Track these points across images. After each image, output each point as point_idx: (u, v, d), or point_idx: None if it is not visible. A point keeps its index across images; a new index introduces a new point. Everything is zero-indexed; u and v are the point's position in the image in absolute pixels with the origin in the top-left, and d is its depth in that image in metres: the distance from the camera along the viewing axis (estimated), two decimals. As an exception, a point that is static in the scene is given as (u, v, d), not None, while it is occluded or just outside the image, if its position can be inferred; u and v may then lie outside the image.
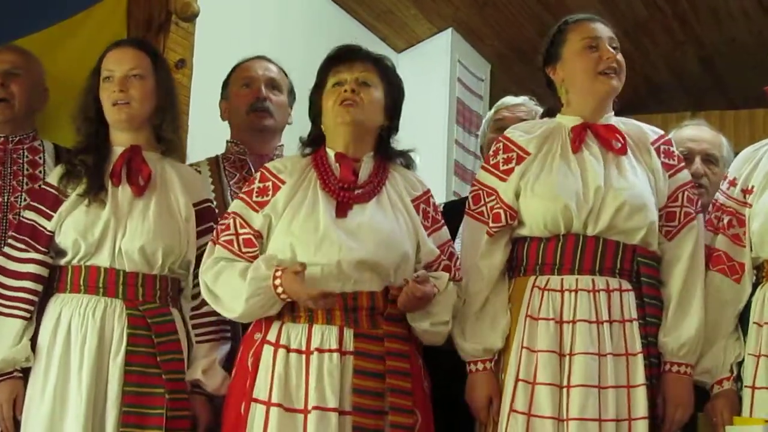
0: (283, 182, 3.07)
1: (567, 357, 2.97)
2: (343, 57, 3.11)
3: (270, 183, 3.08)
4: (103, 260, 3.12)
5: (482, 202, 3.17)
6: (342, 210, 3.00)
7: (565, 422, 2.92)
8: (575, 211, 3.02)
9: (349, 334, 2.91)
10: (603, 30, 3.19)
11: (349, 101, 3.02)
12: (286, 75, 3.88)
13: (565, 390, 2.94)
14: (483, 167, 3.26)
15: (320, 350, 2.89)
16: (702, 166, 3.62)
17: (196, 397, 3.14)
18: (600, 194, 3.03)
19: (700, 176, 3.57)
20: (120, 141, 3.24)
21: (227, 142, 3.85)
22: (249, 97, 3.76)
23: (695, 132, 3.73)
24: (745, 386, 3.02)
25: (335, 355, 2.88)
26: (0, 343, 3.08)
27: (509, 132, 3.25)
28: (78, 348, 3.05)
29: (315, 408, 2.83)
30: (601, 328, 2.98)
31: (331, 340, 2.90)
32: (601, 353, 2.95)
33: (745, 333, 3.09)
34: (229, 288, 2.98)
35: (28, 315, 3.11)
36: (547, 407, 2.93)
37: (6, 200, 3.47)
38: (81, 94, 3.29)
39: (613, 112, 3.22)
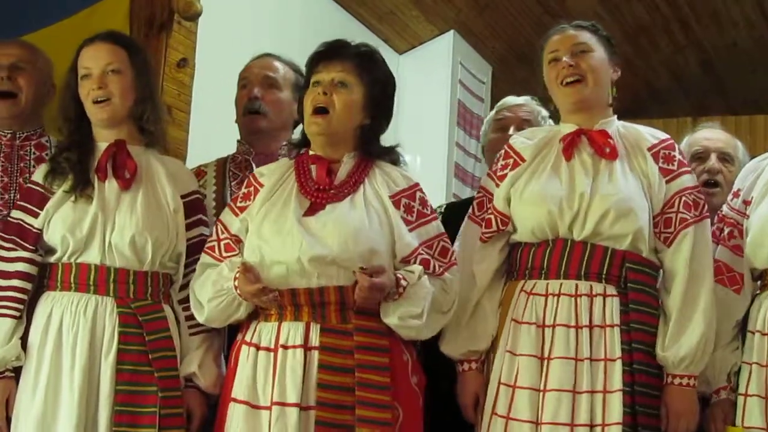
0: (262, 185, 3.09)
1: (546, 361, 2.97)
2: (323, 55, 3.09)
3: (252, 188, 3.10)
4: (93, 257, 3.09)
5: (485, 209, 3.20)
6: (312, 209, 3.00)
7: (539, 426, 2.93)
8: (558, 216, 3.03)
9: (315, 329, 2.90)
10: (566, 39, 3.18)
11: (321, 105, 3.01)
12: (295, 70, 3.82)
13: (542, 394, 2.95)
14: (487, 173, 3.29)
15: (285, 347, 2.89)
16: (718, 163, 3.63)
17: (189, 391, 3.13)
18: (584, 200, 3.02)
19: (715, 172, 3.59)
20: (103, 137, 3.22)
21: (237, 141, 3.85)
22: (244, 99, 3.77)
23: (709, 133, 3.76)
24: (739, 394, 3.03)
25: (298, 351, 2.88)
26: None
27: (512, 138, 3.28)
28: (69, 347, 3.03)
29: (275, 403, 2.83)
30: (580, 332, 2.97)
31: (296, 337, 2.90)
32: (579, 358, 2.95)
33: (744, 342, 3.09)
34: (204, 292, 3.02)
35: (17, 314, 3.07)
36: (525, 411, 2.94)
37: (12, 198, 3.42)
38: (60, 93, 3.28)
39: (613, 118, 3.21)
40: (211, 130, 3.99)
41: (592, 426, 2.90)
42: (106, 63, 3.17)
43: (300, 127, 3.34)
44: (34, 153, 3.53)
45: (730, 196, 3.27)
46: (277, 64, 3.83)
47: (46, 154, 3.51)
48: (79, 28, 4.05)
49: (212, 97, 3.94)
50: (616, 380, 2.92)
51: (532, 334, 3.01)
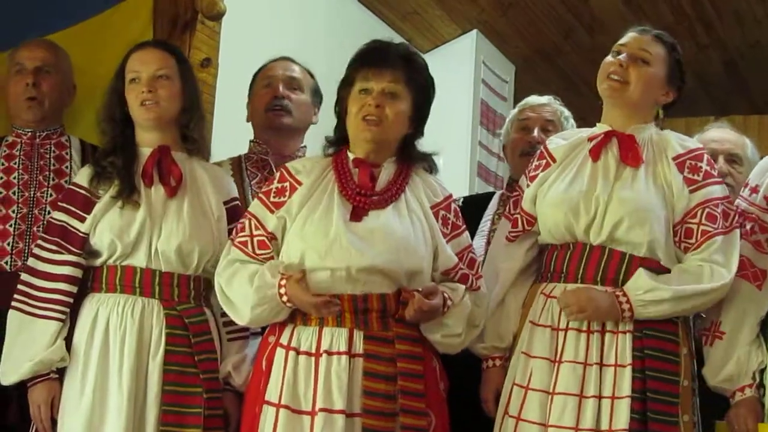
0: (300, 183, 3.05)
1: (557, 364, 2.97)
2: (373, 61, 3.04)
3: (288, 183, 3.07)
4: (139, 261, 3.13)
5: (519, 208, 3.21)
6: (357, 215, 2.98)
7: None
8: (574, 219, 3.03)
9: (359, 336, 2.90)
10: (637, 41, 3.15)
11: (373, 117, 2.98)
12: (311, 76, 3.89)
13: (550, 396, 2.95)
14: (524, 173, 3.29)
15: (329, 353, 2.88)
16: (726, 165, 3.62)
17: (227, 394, 3.16)
18: (601, 204, 3.01)
19: (724, 175, 3.54)
20: (147, 142, 3.25)
21: (250, 141, 3.87)
22: (268, 96, 3.79)
23: (717, 133, 3.75)
24: (768, 392, 3.01)
25: (344, 357, 2.87)
26: (35, 345, 3.08)
27: (549, 139, 3.29)
28: (117, 347, 3.06)
29: (321, 410, 2.82)
30: (591, 337, 2.96)
31: (340, 343, 2.89)
32: (588, 362, 2.94)
33: (767, 339, 3.08)
34: (239, 294, 3.00)
35: (63, 317, 3.11)
36: (535, 412, 2.95)
37: (32, 195, 3.48)
38: (105, 96, 3.29)
39: (650, 123, 3.17)
40: (235, 130, 3.99)
41: (597, 431, 2.89)
42: (157, 68, 3.22)
43: (313, 131, 3.34)
44: (54, 151, 3.58)
45: (747, 192, 3.25)
46: (298, 67, 3.87)
47: (66, 153, 3.59)
48: (103, 27, 4.08)
49: (235, 97, 3.95)
50: (626, 386, 2.91)
51: (547, 336, 3.02)
